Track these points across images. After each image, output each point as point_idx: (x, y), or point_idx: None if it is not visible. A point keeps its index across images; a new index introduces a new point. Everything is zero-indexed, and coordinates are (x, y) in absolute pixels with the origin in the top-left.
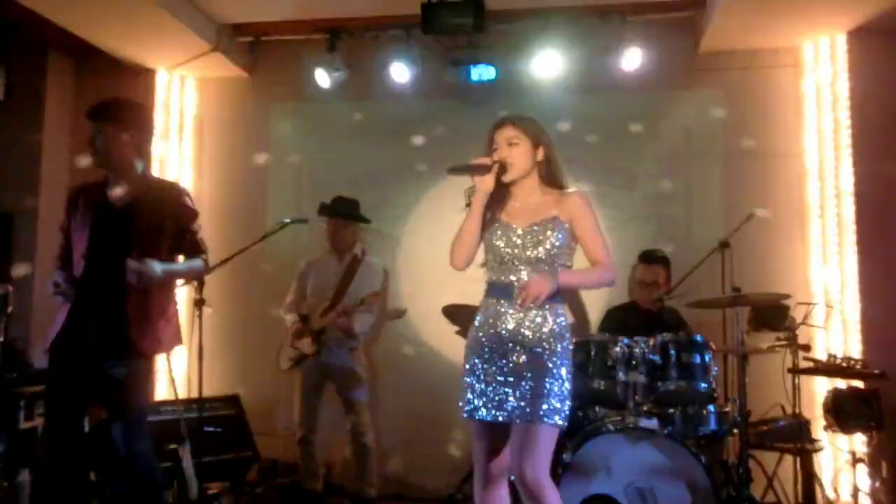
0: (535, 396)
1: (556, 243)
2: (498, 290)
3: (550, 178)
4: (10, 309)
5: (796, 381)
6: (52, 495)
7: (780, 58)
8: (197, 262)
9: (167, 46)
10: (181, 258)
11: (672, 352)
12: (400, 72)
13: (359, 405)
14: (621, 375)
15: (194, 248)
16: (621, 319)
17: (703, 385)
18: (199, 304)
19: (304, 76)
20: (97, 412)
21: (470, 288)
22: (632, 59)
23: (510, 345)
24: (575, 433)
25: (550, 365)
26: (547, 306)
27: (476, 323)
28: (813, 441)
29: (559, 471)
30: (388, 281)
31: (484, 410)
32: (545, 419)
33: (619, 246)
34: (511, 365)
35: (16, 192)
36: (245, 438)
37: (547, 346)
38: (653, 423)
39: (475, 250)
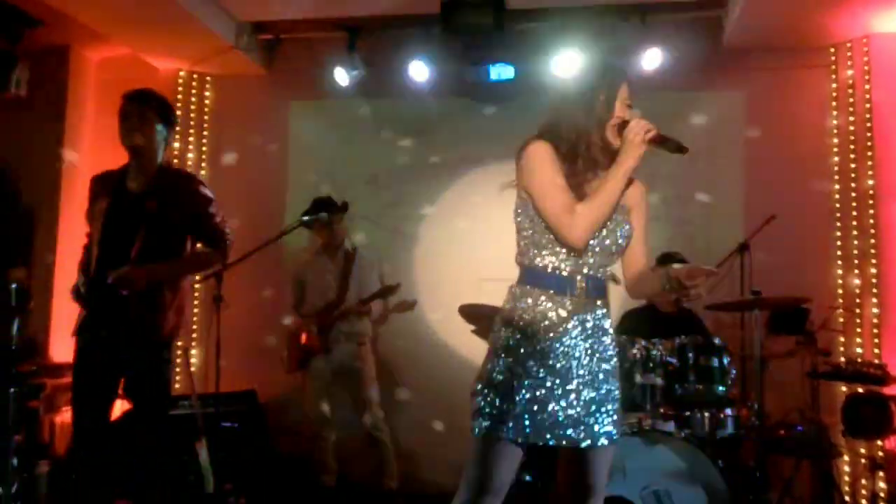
0: (599, 412)
1: (625, 232)
2: (557, 281)
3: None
4: (31, 302)
5: (815, 385)
6: (82, 484)
7: (806, 58)
8: (205, 255)
9: (187, 44)
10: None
11: (690, 354)
12: (419, 70)
13: (370, 402)
14: (638, 377)
15: (213, 235)
16: (639, 322)
17: (721, 388)
18: (217, 300)
19: (323, 74)
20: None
21: (486, 287)
22: (652, 58)
23: (569, 350)
24: None
25: (615, 372)
26: (605, 303)
27: (519, 322)
28: (831, 446)
29: None
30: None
31: (535, 434)
32: (613, 438)
33: None
34: (572, 375)
35: (38, 187)
36: (261, 434)
37: (609, 350)
38: (669, 426)
39: None
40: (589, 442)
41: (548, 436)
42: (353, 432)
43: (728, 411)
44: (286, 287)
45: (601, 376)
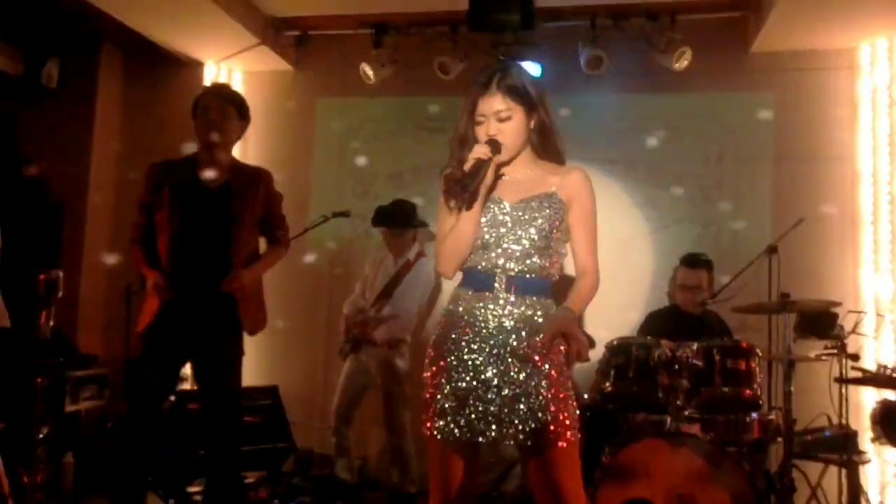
0: (535, 414)
1: (550, 223)
2: (478, 280)
3: (546, 148)
4: (59, 294)
5: (843, 390)
6: (117, 473)
7: (835, 59)
8: (279, 251)
9: (216, 39)
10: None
11: (716, 357)
12: (446, 68)
13: (398, 402)
14: (663, 379)
15: (280, 232)
16: (663, 323)
17: (748, 392)
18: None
19: (350, 71)
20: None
21: None
22: (681, 58)
23: (494, 349)
24: (615, 436)
25: (550, 373)
26: (538, 302)
27: (444, 319)
28: (860, 453)
29: (598, 474)
30: (438, 287)
31: (460, 431)
32: (558, 441)
33: (662, 248)
34: (496, 374)
35: (67, 181)
36: (282, 429)
37: (542, 353)
38: (694, 429)
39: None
40: (511, 441)
41: (469, 433)
42: (375, 428)
43: (754, 415)
44: (310, 281)
45: (522, 376)
